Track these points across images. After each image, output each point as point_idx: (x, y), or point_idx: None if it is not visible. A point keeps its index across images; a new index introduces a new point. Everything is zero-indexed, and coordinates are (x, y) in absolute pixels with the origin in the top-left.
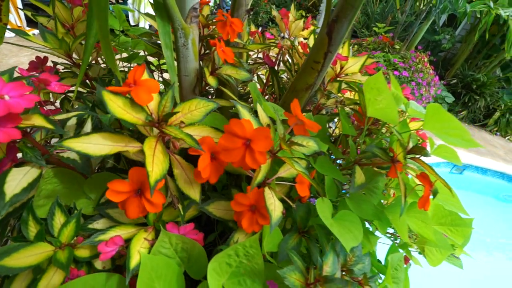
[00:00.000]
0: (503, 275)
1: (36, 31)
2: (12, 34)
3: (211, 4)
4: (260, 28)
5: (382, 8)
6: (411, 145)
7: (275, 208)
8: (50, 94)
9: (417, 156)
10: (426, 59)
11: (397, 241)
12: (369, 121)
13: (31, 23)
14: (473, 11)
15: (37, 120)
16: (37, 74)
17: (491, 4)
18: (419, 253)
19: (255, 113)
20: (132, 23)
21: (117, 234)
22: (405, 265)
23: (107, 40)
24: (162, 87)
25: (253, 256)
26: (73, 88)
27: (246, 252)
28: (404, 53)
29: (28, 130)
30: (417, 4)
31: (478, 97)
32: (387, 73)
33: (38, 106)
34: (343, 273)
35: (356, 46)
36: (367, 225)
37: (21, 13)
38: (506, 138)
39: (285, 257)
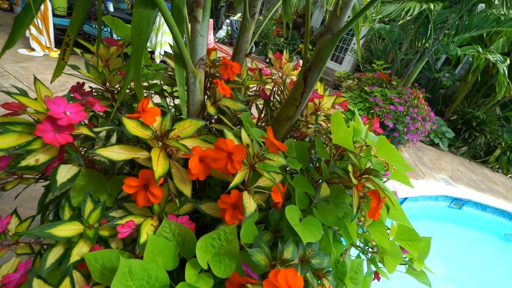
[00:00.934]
0: None
1: None
2: (41, 54)
3: (223, 34)
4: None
5: (384, 45)
6: (369, 167)
7: (250, 205)
8: None
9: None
10: (421, 95)
11: (369, 255)
12: (340, 147)
13: (58, 44)
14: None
15: (84, 130)
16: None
17: (480, 49)
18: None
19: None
20: (149, 49)
21: (130, 220)
22: (376, 280)
23: (138, 79)
24: (173, 111)
25: (231, 241)
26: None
27: (226, 237)
28: (400, 89)
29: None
30: (413, 44)
31: (478, 133)
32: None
33: None
34: (302, 262)
35: (356, 80)
36: (342, 240)
37: (51, 35)
38: (508, 176)
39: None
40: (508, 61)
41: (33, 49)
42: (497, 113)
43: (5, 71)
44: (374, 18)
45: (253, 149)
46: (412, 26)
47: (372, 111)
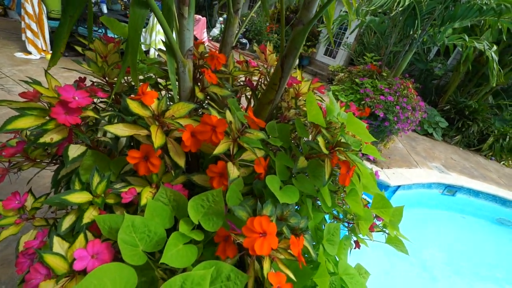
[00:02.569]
0: None
1: None
2: (37, 57)
3: (217, 32)
4: None
5: (377, 39)
6: (340, 140)
7: (233, 172)
8: None
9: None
10: (411, 85)
11: (350, 226)
12: (318, 127)
13: None
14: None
15: (90, 113)
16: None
17: (466, 38)
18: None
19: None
20: (144, 48)
21: (132, 187)
22: (357, 248)
23: (135, 67)
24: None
25: (218, 202)
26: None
27: (214, 199)
28: (390, 79)
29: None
30: (401, 36)
31: (471, 122)
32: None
33: None
34: (280, 220)
35: (347, 73)
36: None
37: (47, 38)
38: (501, 163)
39: None
40: (495, 47)
41: (29, 53)
42: (489, 102)
43: (3, 74)
44: (367, 11)
45: (236, 125)
46: (400, 18)
47: (363, 102)
